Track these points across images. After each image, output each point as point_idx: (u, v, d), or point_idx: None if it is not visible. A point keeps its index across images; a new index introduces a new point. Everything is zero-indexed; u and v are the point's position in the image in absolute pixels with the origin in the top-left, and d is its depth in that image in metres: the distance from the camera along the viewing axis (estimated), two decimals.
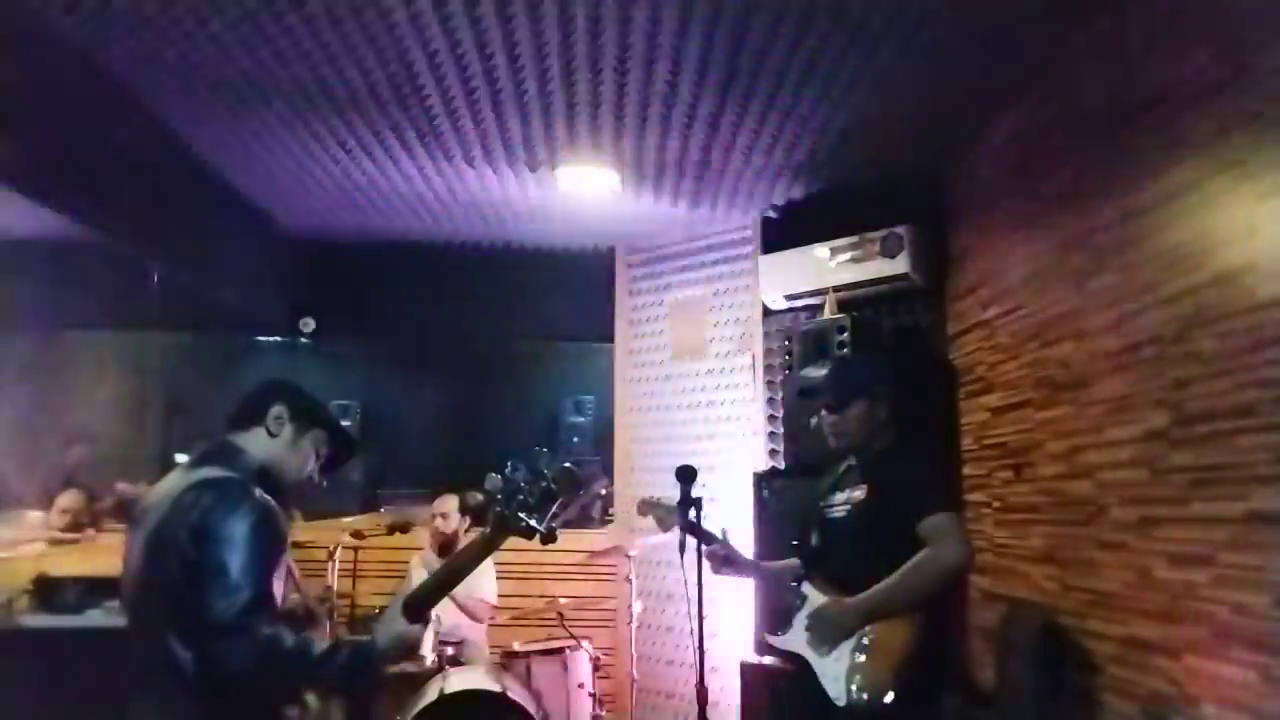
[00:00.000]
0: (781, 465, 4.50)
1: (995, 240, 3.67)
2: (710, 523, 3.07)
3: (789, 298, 4.63)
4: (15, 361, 4.92)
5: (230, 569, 1.71)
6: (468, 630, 4.46)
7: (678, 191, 4.67)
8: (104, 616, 3.69)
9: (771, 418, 4.77)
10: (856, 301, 4.33)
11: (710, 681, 2.87)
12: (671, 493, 2.96)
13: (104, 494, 4.95)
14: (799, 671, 2.78)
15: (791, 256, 4.53)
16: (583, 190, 4.59)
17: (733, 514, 4.69)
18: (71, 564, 4.03)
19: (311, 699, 1.95)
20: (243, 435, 1.99)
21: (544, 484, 1.99)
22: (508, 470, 1.99)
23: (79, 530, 4.65)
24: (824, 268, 4.34)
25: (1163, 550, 2.46)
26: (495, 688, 3.76)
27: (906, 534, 2.58)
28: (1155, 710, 2.45)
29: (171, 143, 4.06)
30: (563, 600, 4.39)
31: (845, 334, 4.03)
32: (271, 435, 1.99)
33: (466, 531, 4.56)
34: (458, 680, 3.77)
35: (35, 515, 4.63)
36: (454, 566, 2.08)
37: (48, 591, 3.83)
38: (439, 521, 4.56)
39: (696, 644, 2.87)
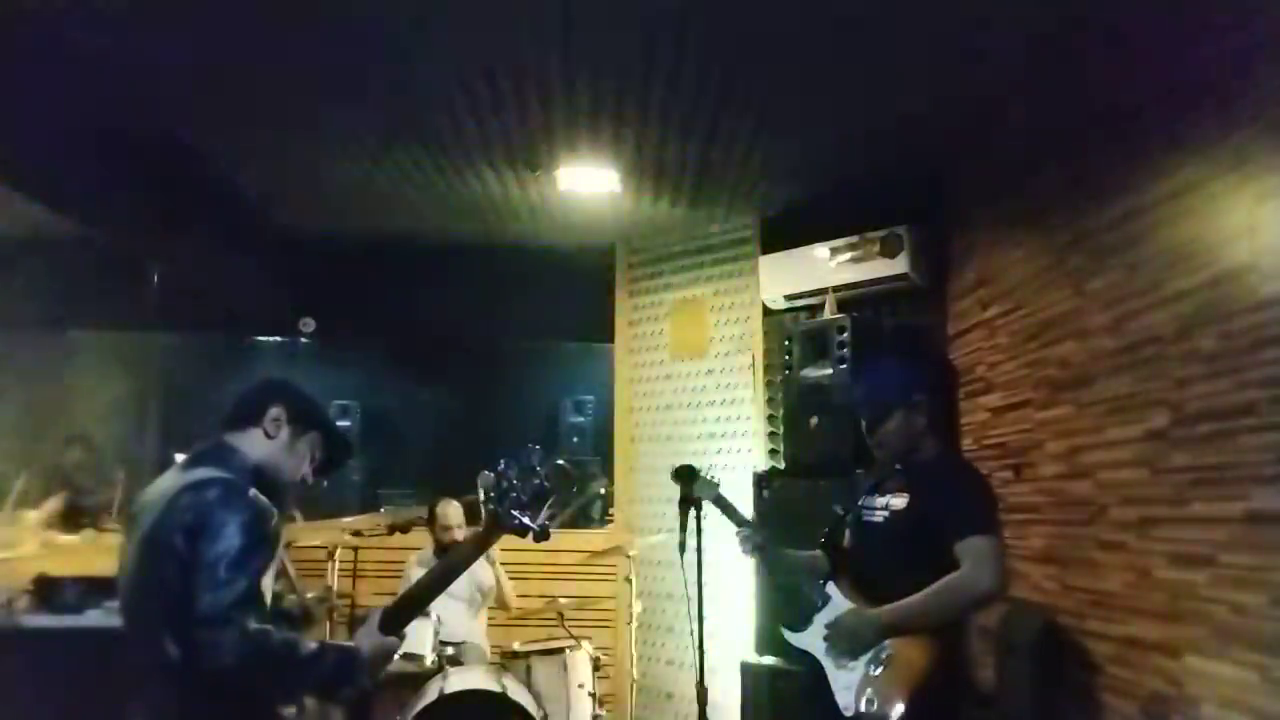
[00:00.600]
0: (781, 465, 4.50)
1: (995, 240, 3.67)
2: (710, 522, 3.07)
3: (789, 298, 4.64)
4: (15, 361, 4.92)
5: (220, 565, 1.72)
6: (468, 630, 4.47)
7: (678, 191, 4.67)
8: (104, 616, 3.69)
9: (771, 418, 4.77)
10: (856, 301, 4.33)
11: (710, 681, 2.86)
12: (671, 493, 2.95)
13: (101, 493, 4.94)
14: (809, 672, 2.75)
15: (791, 256, 4.53)
16: (583, 190, 4.59)
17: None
18: (71, 564, 4.03)
19: (312, 699, 1.95)
20: (239, 435, 1.98)
21: (537, 481, 1.98)
22: (500, 467, 1.98)
23: (71, 530, 4.65)
24: (824, 268, 4.34)
25: (1163, 550, 2.46)
26: (495, 688, 3.76)
27: (942, 550, 2.52)
28: (1155, 710, 2.45)
29: (171, 142, 4.06)
30: (563, 600, 4.39)
31: (845, 334, 4.03)
32: (269, 436, 1.99)
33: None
34: (458, 680, 3.77)
35: (34, 515, 4.63)
36: (448, 566, 2.07)
37: (48, 591, 3.82)
38: (449, 534, 4.50)
39: (696, 644, 2.87)
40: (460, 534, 4.51)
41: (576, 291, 5.74)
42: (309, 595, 4.16)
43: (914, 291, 4.24)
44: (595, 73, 3.38)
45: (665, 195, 4.72)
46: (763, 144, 4.02)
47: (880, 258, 4.14)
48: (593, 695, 4.20)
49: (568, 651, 4.21)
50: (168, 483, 1.89)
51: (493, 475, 1.99)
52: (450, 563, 2.09)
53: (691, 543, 2.96)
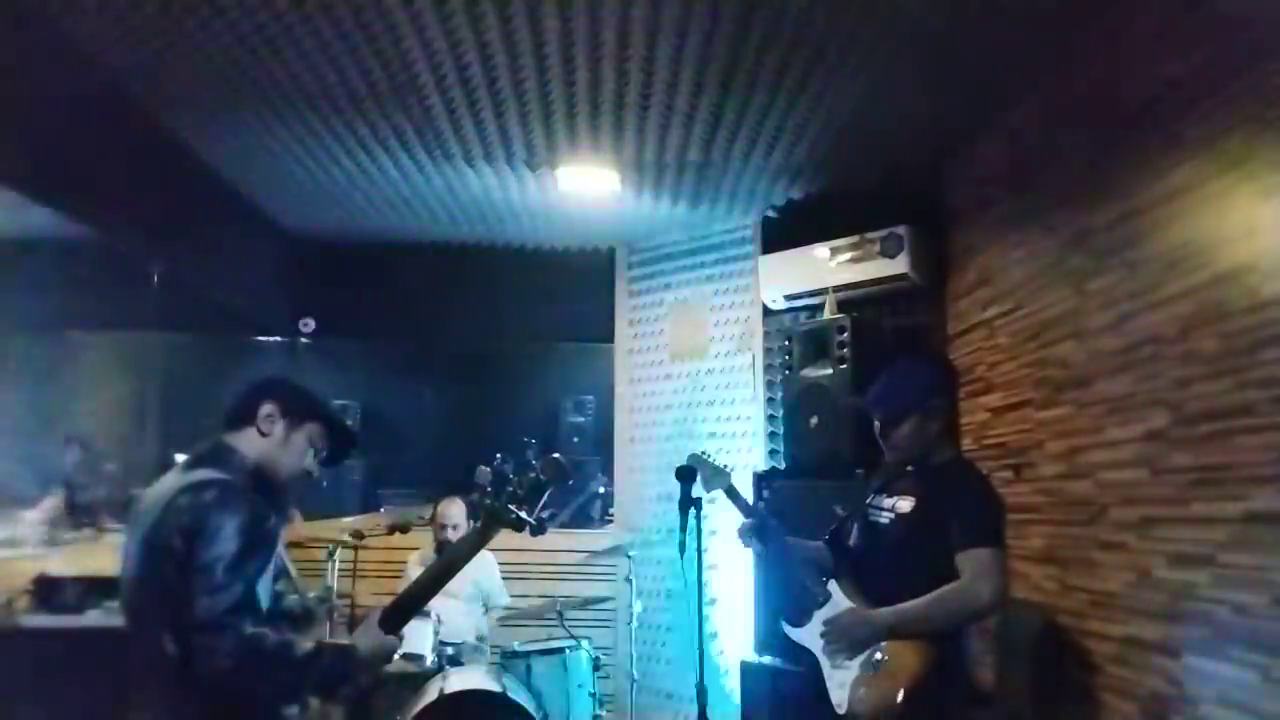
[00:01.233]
0: (781, 465, 4.50)
1: (995, 240, 3.67)
2: (710, 523, 3.06)
3: (789, 298, 4.63)
4: (15, 361, 4.92)
5: (216, 568, 1.72)
6: (468, 630, 4.47)
7: (678, 191, 4.67)
8: (104, 616, 3.69)
9: (771, 418, 4.77)
10: (856, 301, 4.32)
11: (710, 681, 2.86)
12: (671, 492, 2.95)
13: (100, 493, 4.94)
14: (807, 668, 2.75)
15: (791, 256, 4.53)
16: (583, 190, 4.59)
17: (733, 514, 4.69)
18: (71, 564, 4.03)
19: (312, 698, 1.95)
20: (236, 436, 1.98)
21: (532, 475, 1.99)
22: (496, 463, 2.00)
23: (76, 529, 4.65)
24: (824, 268, 4.34)
25: (1163, 550, 2.46)
26: (495, 688, 3.76)
27: (945, 558, 2.51)
28: (1155, 710, 2.45)
29: (172, 142, 4.06)
30: (563, 600, 4.39)
31: (845, 334, 4.03)
32: (263, 434, 1.98)
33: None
34: (458, 680, 3.77)
35: (34, 515, 4.63)
36: (447, 562, 2.07)
37: (48, 591, 3.83)
38: (450, 533, 4.50)
39: (696, 644, 2.87)
40: (463, 531, 4.51)
41: (576, 292, 5.73)
42: (311, 595, 4.16)
43: (914, 291, 4.24)
44: (595, 73, 3.38)
45: (665, 195, 4.72)
46: (763, 144, 4.02)
47: (880, 258, 4.14)
48: (593, 695, 4.20)
49: (568, 651, 4.21)
50: (168, 483, 1.89)
51: (489, 471, 2.00)
52: (448, 560, 2.08)
53: (691, 543, 2.95)
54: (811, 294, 4.50)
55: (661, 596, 5.03)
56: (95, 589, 3.78)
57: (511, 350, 6.35)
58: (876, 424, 2.78)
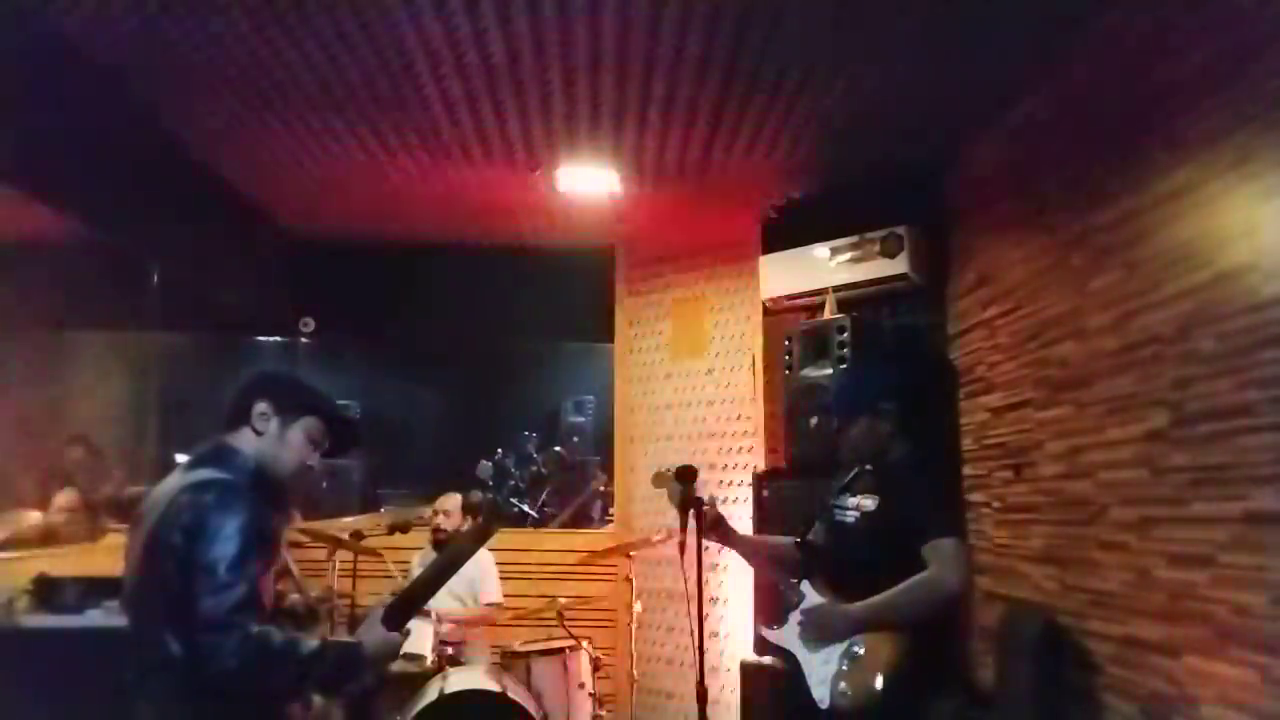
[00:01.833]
0: (781, 465, 4.50)
1: (995, 240, 3.67)
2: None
3: (789, 298, 4.63)
4: (15, 361, 4.92)
5: (219, 568, 1.73)
6: (468, 630, 4.47)
7: (678, 191, 4.67)
8: (104, 616, 3.68)
9: (771, 418, 4.77)
10: (856, 301, 4.32)
11: (710, 681, 2.87)
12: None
13: (103, 494, 4.94)
14: (789, 667, 2.82)
15: (791, 256, 4.53)
16: (583, 190, 4.59)
17: (733, 514, 4.70)
18: (71, 564, 4.03)
19: (316, 696, 1.95)
20: (234, 435, 1.98)
21: (534, 469, 1.99)
22: (497, 457, 2.00)
23: (79, 529, 4.64)
24: (824, 268, 4.34)
25: (1163, 550, 2.46)
26: (495, 688, 3.76)
27: (911, 551, 2.60)
28: (1155, 710, 2.45)
29: (171, 142, 4.06)
30: (563, 600, 4.39)
31: (845, 334, 4.03)
32: (258, 433, 1.97)
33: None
34: (458, 680, 3.77)
35: (34, 515, 4.62)
36: (451, 555, 2.06)
37: (48, 591, 3.82)
38: (440, 519, 4.55)
39: (696, 644, 2.87)
40: (456, 521, 4.53)
41: (576, 292, 5.74)
42: (313, 595, 4.16)
43: (914, 291, 4.24)
44: (595, 73, 3.38)
45: (665, 195, 4.72)
46: (763, 144, 4.02)
47: (880, 258, 4.14)
48: (593, 695, 4.20)
49: (568, 651, 4.21)
50: (170, 484, 1.90)
51: (490, 465, 2.00)
52: (451, 555, 2.07)
53: (691, 543, 2.95)
54: (811, 294, 4.50)
55: (661, 596, 5.03)
56: (95, 589, 3.77)
57: (511, 350, 6.35)
58: (834, 423, 2.90)
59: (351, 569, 4.36)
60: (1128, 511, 2.65)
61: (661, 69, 3.34)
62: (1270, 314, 2.06)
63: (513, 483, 1.93)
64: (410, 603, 2.02)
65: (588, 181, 4.48)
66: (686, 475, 2.93)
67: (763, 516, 4.26)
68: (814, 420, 4.18)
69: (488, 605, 4.54)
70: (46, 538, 4.49)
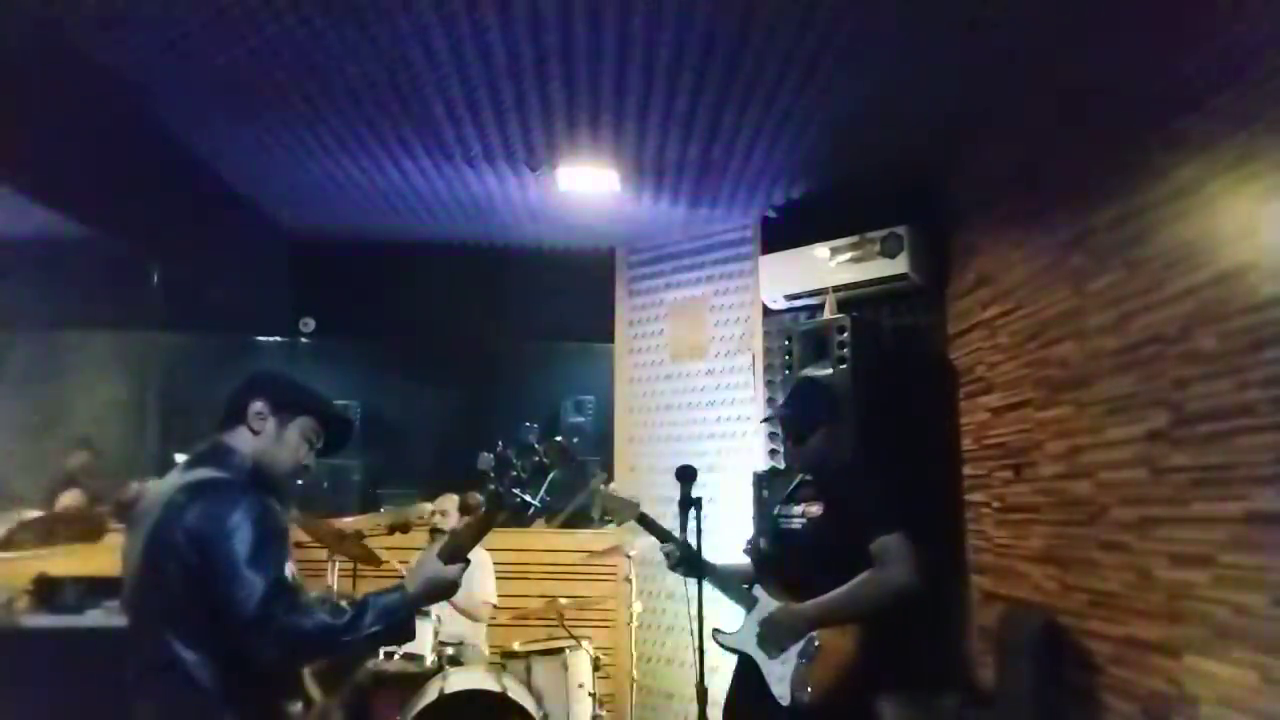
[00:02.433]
0: (781, 465, 4.50)
1: (995, 240, 3.67)
2: (711, 523, 3.08)
3: (789, 298, 4.63)
4: (15, 361, 4.91)
5: (239, 565, 1.72)
6: (467, 630, 4.47)
7: (678, 191, 4.67)
8: (104, 616, 3.68)
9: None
10: (856, 301, 4.32)
11: (710, 681, 2.88)
12: (671, 493, 2.96)
13: (105, 496, 4.94)
14: (745, 671, 2.95)
15: (791, 256, 4.53)
16: (583, 190, 4.59)
17: (733, 514, 4.69)
18: (71, 564, 4.03)
19: (315, 692, 1.95)
20: (231, 435, 1.98)
21: (535, 459, 1.99)
22: (499, 448, 1.99)
23: (83, 529, 4.64)
24: (824, 268, 4.34)
25: (1163, 550, 2.46)
26: (495, 688, 3.76)
27: (859, 550, 2.77)
28: (1155, 710, 2.45)
29: (171, 142, 4.06)
30: (563, 600, 4.39)
31: (845, 334, 4.02)
32: (255, 432, 1.97)
33: None
34: (458, 680, 3.77)
35: (35, 515, 4.62)
36: (462, 537, 2.02)
37: (48, 591, 3.82)
38: (438, 519, 4.56)
39: (696, 644, 2.88)
40: (454, 520, 4.53)
41: (576, 292, 5.74)
42: (312, 595, 4.15)
43: (914, 291, 4.24)
44: (595, 73, 3.38)
45: (665, 195, 4.72)
46: (763, 144, 4.02)
47: (880, 258, 4.14)
48: (593, 695, 4.20)
49: (568, 651, 4.21)
50: (167, 484, 1.89)
51: (492, 456, 2.00)
52: (455, 544, 2.01)
53: (692, 543, 2.95)
54: (811, 294, 4.50)
55: (661, 597, 5.02)
56: (95, 589, 3.77)
57: (511, 350, 6.34)
58: (782, 435, 3.05)
59: (351, 569, 4.36)
60: (1128, 511, 2.65)
61: (661, 69, 3.34)
62: (1270, 314, 2.06)
63: (514, 473, 1.92)
64: (463, 544, 1.98)
65: (588, 181, 4.48)
66: (686, 475, 2.94)
67: (762, 516, 4.25)
68: (765, 422, 4.28)
69: (483, 604, 4.53)
70: (47, 538, 4.48)
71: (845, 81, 3.41)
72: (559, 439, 2.12)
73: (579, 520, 5.56)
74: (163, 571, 1.78)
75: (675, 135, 3.94)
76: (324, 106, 3.70)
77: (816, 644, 2.78)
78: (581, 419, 6.40)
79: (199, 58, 3.28)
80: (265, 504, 1.85)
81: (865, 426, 3.69)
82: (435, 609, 4.15)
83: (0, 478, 4.62)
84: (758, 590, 2.99)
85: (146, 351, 5.57)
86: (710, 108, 3.66)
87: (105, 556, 3.97)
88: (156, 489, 1.90)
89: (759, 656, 2.89)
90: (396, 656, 3.91)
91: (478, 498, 4.51)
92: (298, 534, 4.43)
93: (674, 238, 5.39)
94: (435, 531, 4.58)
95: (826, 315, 4.28)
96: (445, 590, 1.95)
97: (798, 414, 3.09)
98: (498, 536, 4.93)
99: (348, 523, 4.53)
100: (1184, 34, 2.43)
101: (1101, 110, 2.87)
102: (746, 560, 3.21)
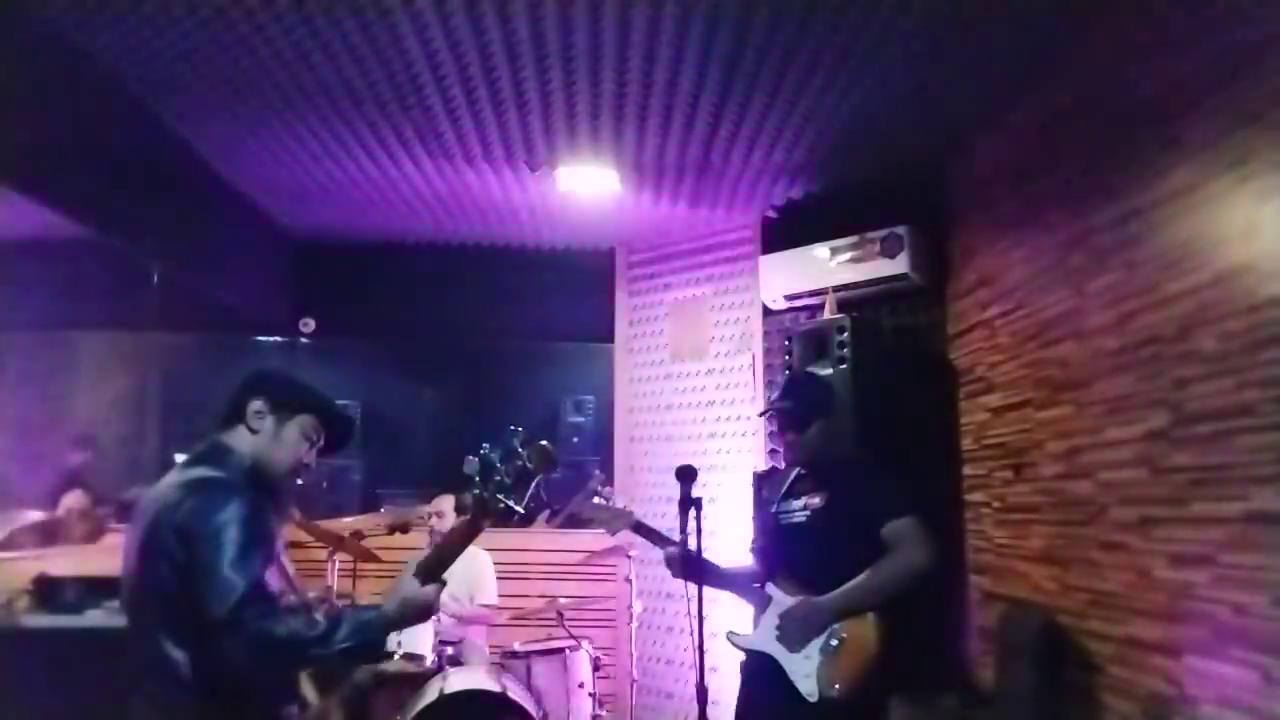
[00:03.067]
0: (781, 465, 4.50)
1: (995, 240, 3.67)
2: (711, 523, 3.09)
3: (789, 298, 4.63)
4: (15, 361, 4.92)
5: (219, 566, 1.71)
6: (468, 630, 4.47)
7: (678, 191, 4.67)
8: (104, 616, 3.68)
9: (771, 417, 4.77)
10: (856, 301, 4.32)
11: (710, 681, 2.87)
12: (671, 493, 2.96)
13: (107, 496, 4.95)
14: (766, 670, 2.89)
15: (791, 256, 4.53)
16: (583, 190, 4.59)
17: (733, 514, 4.70)
18: (71, 564, 4.03)
19: (310, 695, 1.94)
20: (229, 434, 1.97)
21: (519, 462, 1.96)
22: (483, 452, 1.97)
23: (85, 529, 4.65)
24: (824, 268, 4.34)
25: (1163, 550, 2.46)
26: (495, 688, 3.76)
27: (868, 536, 2.75)
28: (1155, 710, 2.45)
29: (171, 142, 4.06)
30: (563, 600, 4.39)
31: (845, 334, 4.02)
32: (253, 431, 1.96)
33: None
34: (458, 680, 3.77)
35: (36, 515, 4.62)
36: (441, 552, 2.01)
37: (48, 591, 3.82)
38: (434, 520, 4.56)
39: (696, 644, 2.87)
40: (449, 522, 4.52)
41: (576, 292, 5.74)
42: (311, 595, 4.16)
43: (914, 291, 4.24)
44: (595, 73, 3.38)
45: (665, 195, 4.72)
46: (763, 144, 4.02)
47: (880, 258, 4.14)
48: (593, 695, 4.20)
49: (568, 651, 4.21)
50: (165, 483, 1.89)
51: (476, 460, 1.97)
52: (442, 551, 2.01)
53: (692, 544, 2.95)
54: (811, 294, 4.49)
55: (661, 597, 5.02)
56: (95, 589, 3.78)
57: (511, 350, 6.35)
58: (779, 428, 3.03)
59: (351, 569, 4.36)
60: (1128, 511, 2.65)
61: (661, 69, 3.34)
62: (1270, 314, 2.06)
63: (498, 478, 1.88)
64: (441, 560, 1.97)
65: (588, 181, 4.48)
66: (686, 475, 2.94)
67: (762, 516, 4.25)
68: (763, 415, 4.28)
69: (483, 606, 4.54)
70: (47, 538, 4.49)
71: (845, 81, 3.41)
72: (543, 442, 2.06)
73: (579, 520, 5.57)
74: (155, 570, 1.78)
75: (675, 135, 3.94)
76: (324, 106, 3.70)
77: (840, 637, 2.73)
78: (581, 419, 6.41)
79: (199, 57, 3.28)
80: (257, 506, 1.84)
81: (865, 426, 3.69)
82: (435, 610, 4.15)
83: (0, 478, 4.62)
84: (770, 588, 2.94)
85: (146, 351, 5.57)
86: (710, 108, 3.66)
87: (105, 556, 3.97)
88: (154, 490, 1.90)
89: (780, 654, 2.83)
90: (397, 656, 3.90)
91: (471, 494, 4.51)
92: (298, 534, 4.45)
93: (674, 238, 5.39)
94: (432, 534, 4.58)
95: (826, 315, 4.28)
96: (421, 611, 1.93)
97: (795, 406, 3.06)
98: (498, 537, 4.97)
99: (348, 523, 4.53)
100: (1184, 34, 2.43)
101: (1101, 110, 2.87)
102: (753, 560, 3.17)
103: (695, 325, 5.31)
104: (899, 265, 4.10)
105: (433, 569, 1.94)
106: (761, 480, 4.35)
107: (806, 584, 2.86)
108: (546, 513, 6.03)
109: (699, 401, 5.24)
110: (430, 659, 4.00)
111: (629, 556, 4.53)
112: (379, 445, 6.16)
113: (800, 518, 2.95)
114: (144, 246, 4.16)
